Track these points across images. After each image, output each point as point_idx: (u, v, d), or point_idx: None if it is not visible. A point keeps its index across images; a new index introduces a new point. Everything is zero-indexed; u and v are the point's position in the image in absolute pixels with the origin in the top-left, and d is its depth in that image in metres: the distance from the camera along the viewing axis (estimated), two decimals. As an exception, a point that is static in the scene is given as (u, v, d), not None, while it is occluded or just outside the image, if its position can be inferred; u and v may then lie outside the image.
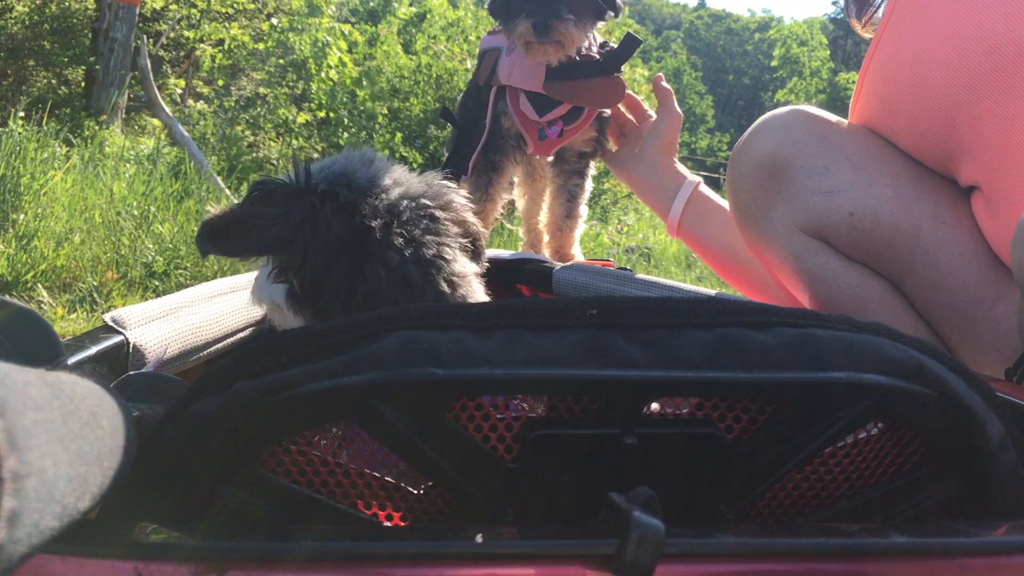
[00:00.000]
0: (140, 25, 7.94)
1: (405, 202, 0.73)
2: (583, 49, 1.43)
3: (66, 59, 8.14)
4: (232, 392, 0.44)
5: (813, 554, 0.39)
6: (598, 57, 1.44)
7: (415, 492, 0.49)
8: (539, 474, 0.46)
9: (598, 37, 1.50)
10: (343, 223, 0.69)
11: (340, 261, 0.69)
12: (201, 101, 10.19)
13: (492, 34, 1.64)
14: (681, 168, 1.42)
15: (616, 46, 1.46)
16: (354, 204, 0.70)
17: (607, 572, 0.36)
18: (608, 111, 1.53)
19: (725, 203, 1.31)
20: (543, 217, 1.68)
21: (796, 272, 1.05)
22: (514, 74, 1.47)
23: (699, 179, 1.38)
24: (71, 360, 0.63)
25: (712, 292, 1.34)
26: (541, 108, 1.48)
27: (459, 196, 0.82)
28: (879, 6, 1.17)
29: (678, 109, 1.45)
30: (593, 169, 1.63)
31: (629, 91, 1.55)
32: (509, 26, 1.40)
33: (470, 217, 0.82)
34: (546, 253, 1.68)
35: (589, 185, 1.62)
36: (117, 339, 0.74)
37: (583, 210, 1.63)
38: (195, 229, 3.82)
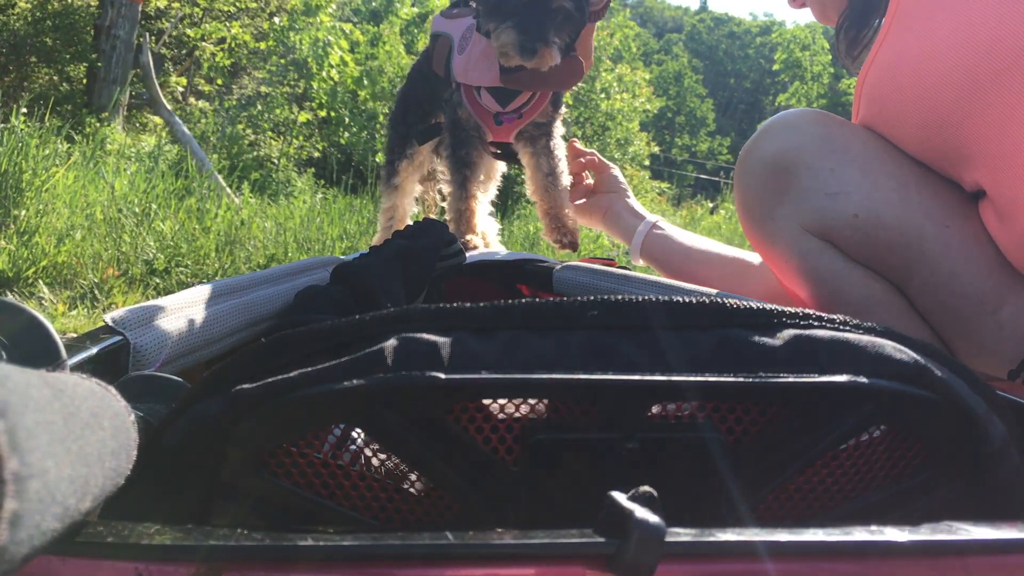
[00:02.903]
0: (142, 23, 7.94)
1: None
2: None
3: (68, 56, 8.14)
4: (232, 395, 0.43)
5: (815, 553, 0.39)
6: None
7: (415, 494, 0.49)
8: (541, 478, 0.46)
9: None
10: None
11: None
12: (202, 99, 10.19)
13: (446, 16, 1.61)
14: (638, 208, 1.68)
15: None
16: None
17: (608, 572, 0.36)
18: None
19: (681, 234, 1.59)
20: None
21: (801, 272, 1.05)
22: (469, 72, 1.46)
23: (657, 218, 1.64)
24: (71, 361, 0.63)
25: (712, 291, 1.34)
26: (503, 99, 1.48)
27: None
28: (868, 42, 1.19)
29: (606, 163, 1.70)
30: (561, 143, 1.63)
31: (580, 146, 1.63)
32: (492, 25, 1.38)
33: None
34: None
35: (560, 143, 1.61)
36: (118, 340, 0.74)
37: (564, 165, 1.61)
38: (196, 227, 3.83)
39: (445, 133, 1.56)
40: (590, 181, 1.74)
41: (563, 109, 1.62)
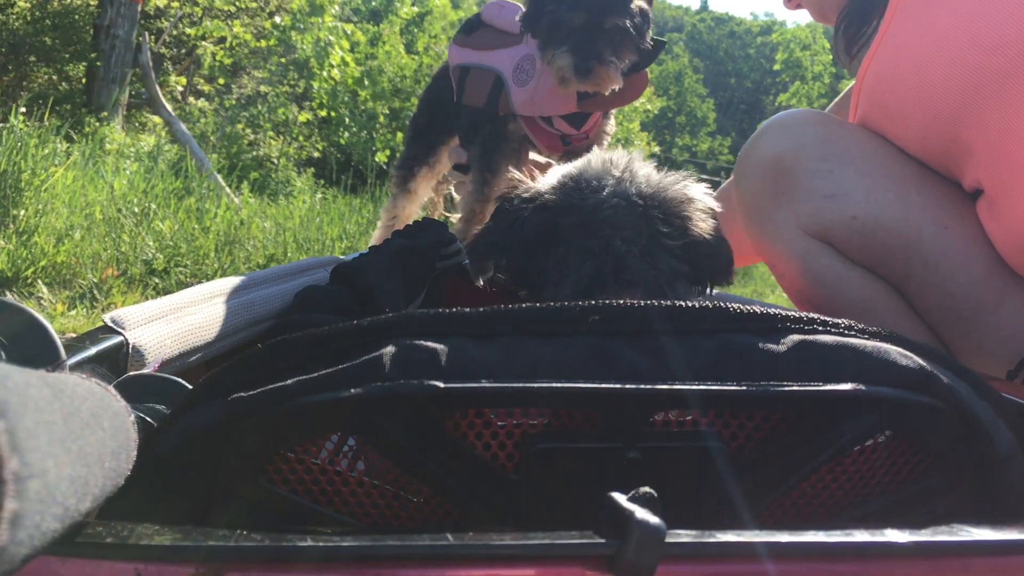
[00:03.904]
0: (142, 22, 7.93)
1: (615, 200, 0.78)
2: None
3: (67, 55, 8.13)
4: (229, 403, 0.43)
5: (815, 554, 0.39)
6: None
7: (415, 500, 0.48)
8: (541, 486, 0.46)
9: None
10: (537, 223, 0.79)
11: (534, 252, 0.80)
12: (202, 99, 10.18)
13: (462, 45, 1.60)
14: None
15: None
16: (547, 206, 0.80)
17: (608, 573, 0.36)
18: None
19: None
20: None
21: (800, 274, 1.05)
22: (539, 104, 1.46)
23: None
24: (71, 361, 0.63)
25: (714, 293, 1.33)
26: (576, 123, 1.49)
27: (693, 197, 0.82)
28: (866, 42, 1.19)
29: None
30: None
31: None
32: (547, 53, 1.39)
33: (697, 220, 0.80)
34: None
35: None
36: (117, 340, 0.73)
37: None
38: (195, 227, 3.82)
39: (483, 138, 1.56)
40: None
41: (612, 120, 1.63)
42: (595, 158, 0.85)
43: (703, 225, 0.80)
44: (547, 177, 0.86)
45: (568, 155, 1.60)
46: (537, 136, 1.52)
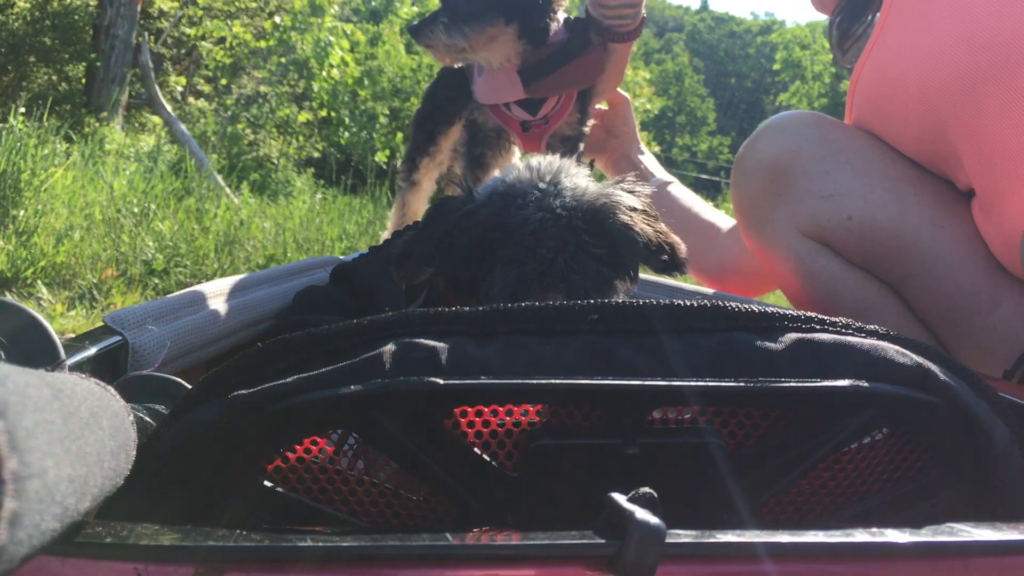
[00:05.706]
0: (141, 22, 7.94)
1: (540, 215, 0.79)
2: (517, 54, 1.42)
3: (67, 56, 8.13)
4: (229, 401, 0.43)
5: (815, 554, 0.39)
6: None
7: (414, 499, 0.48)
8: (540, 483, 0.46)
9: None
10: (468, 237, 0.81)
11: (467, 263, 0.81)
12: (202, 99, 10.19)
13: None
14: (651, 167, 1.65)
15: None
16: (477, 221, 0.81)
17: (608, 573, 0.36)
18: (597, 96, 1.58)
19: (689, 203, 1.56)
20: None
21: (797, 274, 1.05)
22: (493, 93, 1.48)
23: (670, 180, 1.60)
24: (71, 361, 0.63)
25: (711, 292, 1.34)
26: (531, 109, 1.50)
27: (618, 201, 0.81)
28: (860, 36, 1.20)
29: (621, 95, 1.71)
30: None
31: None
32: None
33: (620, 219, 0.80)
34: None
35: None
36: (116, 340, 0.74)
37: None
38: (195, 227, 3.81)
39: (463, 131, 1.58)
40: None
41: (590, 121, 1.62)
42: (523, 169, 0.86)
43: (626, 221, 0.81)
44: (481, 188, 0.88)
45: (532, 141, 1.60)
46: (506, 124, 1.53)
